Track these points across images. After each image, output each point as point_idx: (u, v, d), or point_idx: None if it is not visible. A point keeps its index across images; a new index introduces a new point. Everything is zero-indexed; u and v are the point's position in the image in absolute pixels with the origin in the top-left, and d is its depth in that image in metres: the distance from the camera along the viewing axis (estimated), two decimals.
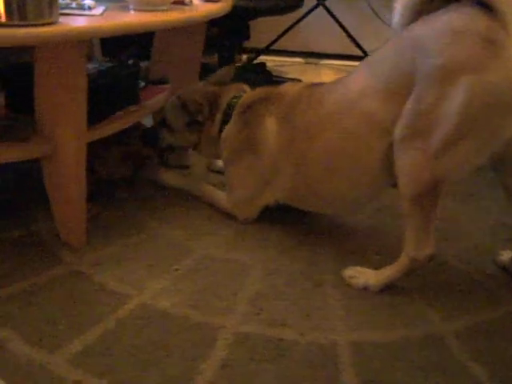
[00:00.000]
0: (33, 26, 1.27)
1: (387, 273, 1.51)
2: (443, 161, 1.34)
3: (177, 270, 1.57)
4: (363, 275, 1.54)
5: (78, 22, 1.39)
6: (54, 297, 1.43)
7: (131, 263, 1.59)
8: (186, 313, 1.40)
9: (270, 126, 1.73)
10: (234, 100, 1.86)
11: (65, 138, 1.50)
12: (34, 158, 1.54)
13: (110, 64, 1.88)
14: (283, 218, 1.86)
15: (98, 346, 1.27)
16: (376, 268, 1.54)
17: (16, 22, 1.26)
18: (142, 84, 2.06)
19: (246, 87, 1.94)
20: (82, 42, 1.42)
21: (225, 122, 1.86)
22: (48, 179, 1.59)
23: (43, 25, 1.29)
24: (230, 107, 1.85)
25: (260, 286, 1.52)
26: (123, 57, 2.26)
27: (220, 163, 2.05)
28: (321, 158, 1.63)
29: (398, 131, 1.40)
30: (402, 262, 1.47)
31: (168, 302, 1.43)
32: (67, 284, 1.48)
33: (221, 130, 1.86)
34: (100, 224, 1.77)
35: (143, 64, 2.15)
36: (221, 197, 1.89)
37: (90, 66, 1.80)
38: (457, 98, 1.28)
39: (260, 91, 1.84)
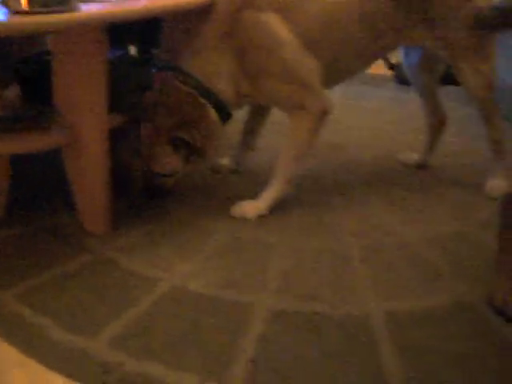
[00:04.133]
0: (54, 12, 1.27)
1: None
2: None
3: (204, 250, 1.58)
4: None
5: (97, 8, 1.39)
6: (85, 283, 1.43)
7: (158, 248, 1.60)
8: (218, 292, 1.41)
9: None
10: None
11: (86, 125, 1.51)
12: (55, 148, 1.55)
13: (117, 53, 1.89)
14: (302, 200, 1.88)
15: (135, 329, 1.28)
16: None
17: (37, 10, 1.26)
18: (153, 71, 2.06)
19: None
20: (102, 27, 1.42)
21: None
22: (70, 168, 1.59)
23: (63, 11, 1.29)
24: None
25: (288, 263, 1.53)
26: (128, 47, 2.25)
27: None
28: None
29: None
30: None
31: (199, 283, 1.44)
32: (96, 270, 1.49)
33: None
34: (122, 211, 1.77)
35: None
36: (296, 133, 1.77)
37: None
38: None
39: None
